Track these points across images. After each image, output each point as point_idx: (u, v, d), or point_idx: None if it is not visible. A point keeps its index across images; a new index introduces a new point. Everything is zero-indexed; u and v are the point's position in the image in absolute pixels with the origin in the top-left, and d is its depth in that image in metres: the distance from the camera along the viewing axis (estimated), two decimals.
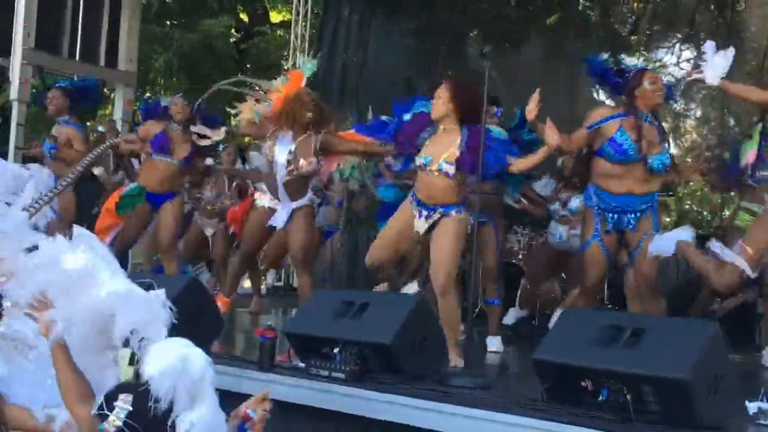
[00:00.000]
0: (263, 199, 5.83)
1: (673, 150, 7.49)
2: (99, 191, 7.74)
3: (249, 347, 5.51)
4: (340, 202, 7.96)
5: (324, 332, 4.46)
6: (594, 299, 5.40)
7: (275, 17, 17.89)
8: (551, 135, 4.89)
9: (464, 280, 6.06)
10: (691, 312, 6.24)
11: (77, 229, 3.17)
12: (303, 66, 5.86)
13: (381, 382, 4.14)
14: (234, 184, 8.35)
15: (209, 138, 6.84)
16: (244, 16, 17.73)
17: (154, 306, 2.95)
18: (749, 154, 5.67)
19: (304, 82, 5.75)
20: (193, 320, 3.80)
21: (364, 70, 11.36)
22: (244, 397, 2.99)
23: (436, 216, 5.04)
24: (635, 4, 12.03)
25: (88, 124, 9.67)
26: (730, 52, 5.04)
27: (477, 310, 6.78)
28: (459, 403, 3.83)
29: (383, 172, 6.32)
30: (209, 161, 7.53)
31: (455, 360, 4.74)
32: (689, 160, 6.84)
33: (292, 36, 11.93)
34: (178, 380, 2.63)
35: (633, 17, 12.00)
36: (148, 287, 3.06)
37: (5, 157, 9.45)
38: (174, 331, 2.93)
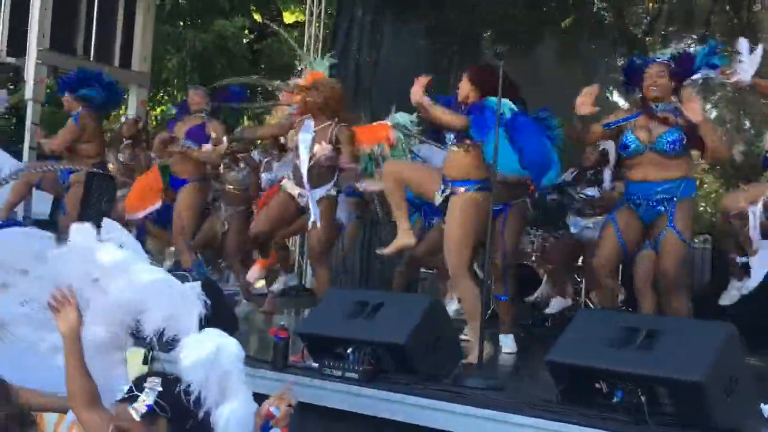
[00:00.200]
0: (288, 185, 5.90)
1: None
2: (111, 187, 7.76)
3: (262, 347, 5.51)
4: (350, 189, 7.90)
5: (337, 332, 4.45)
6: (609, 290, 5.26)
7: (288, 18, 17.91)
8: (583, 102, 4.88)
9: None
10: None
11: (107, 222, 3.14)
12: (316, 64, 5.93)
13: (394, 383, 4.13)
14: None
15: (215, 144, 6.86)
16: (257, 17, 17.76)
17: (190, 298, 2.92)
18: None
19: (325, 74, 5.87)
20: (208, 320, 3.80)
21: (377, 70, 11.35)
22: (258, 396, 2.99)
23: (448, 190, 5.11)
24: (650, 5, 11.99)
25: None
26: (760, 48, 5.04)
27: (489, 311, 6.76)
28: (472, 404, 3.81)
29: None
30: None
31: (471, 356, 4.69)
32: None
33: (306, 36, 11.95)
34: (210, 370, 2.66)
35: (648, 18, 11.95)
36: (182, 279, 3.07)
37: (20, 156, 9.52)
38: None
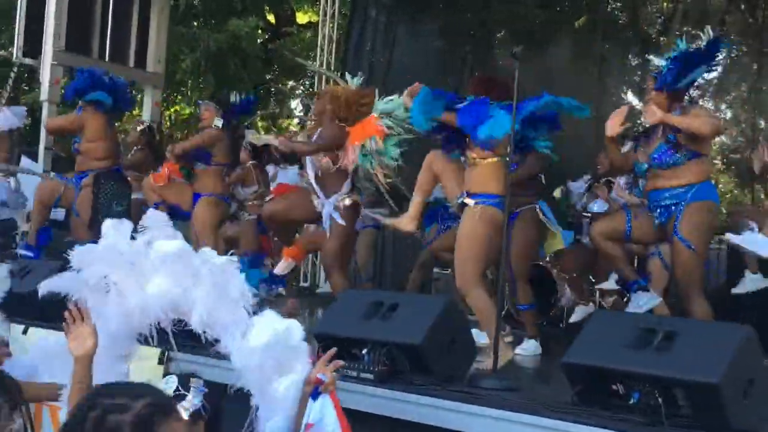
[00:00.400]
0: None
1: None
2: (122, 189, 7.77)
3: None
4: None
5: (353, 333, 4.45)
6: (609, 255, 5.24)
7: (302, 18, 17.94)
8: (613, 123, 4.92)
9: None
10: None
11: (151, 212, 3.14)
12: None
13: (410, 383, 4.13)
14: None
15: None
16: (271, 17, 17.79)
17: (241, 291, 2.93)
18: None
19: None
20: None
21: (391, 70, 11.35)
22: None
23: (463, 200, 5.17)
24: (664, 5, 11.95)
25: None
26: None
27: (504, 311, 6.75)
28: (487, 405, 3.81)
29: None
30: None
31: (486, 360, 4.70)
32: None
33: (320, 37, 11.96)
34: (281, 348, 2.79)
35: (662, 18, 11.91)
36: None
37: (35, 157, 9.56)
38: None
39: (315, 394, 2.88)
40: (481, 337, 5.59)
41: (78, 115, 7.46)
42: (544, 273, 7.89)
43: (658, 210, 4.90)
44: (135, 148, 8.71)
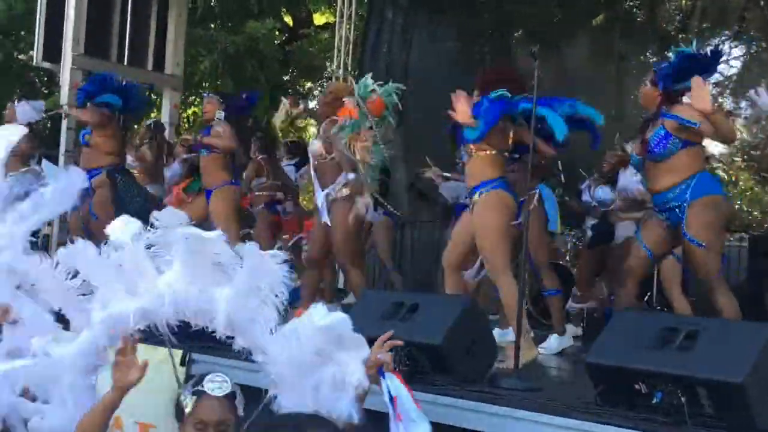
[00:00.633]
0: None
1: (723, 149, 7.27)
2: (134, 183, 7.80)
3: None
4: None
5: (373, 333, 4.42)
6: (633, 294, 5.19)
7: (318, 19, 17.96)
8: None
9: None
10: None
11: (166, 210, 3.09)
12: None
13: (430, 383, 4.12)
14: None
15: None
16: (288, 19, 17.84)
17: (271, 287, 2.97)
18: None
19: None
20: None
21: (408, 71, 11.36)
22: None
23: (472, 198, 5.16)
24: (683, 2, 11.89)
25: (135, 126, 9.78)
26: None
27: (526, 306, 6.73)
28: (508, 405, 3.81)
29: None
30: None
31: (507, 359, 4.68)
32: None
33: (336, 38, 11.97)
34: (339, 334, 3.01)
35: (681, 15, 11.85)
36: None
37: (56, 161, 9.62)
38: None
39: (381, 374, 3.07)
40: (502, 336, 5.59)
41: (97, 109, 7.64)
42: (564, 272, 7.87)
43: (665, 214, 4.88)
44: (143, 141, 8.78)
